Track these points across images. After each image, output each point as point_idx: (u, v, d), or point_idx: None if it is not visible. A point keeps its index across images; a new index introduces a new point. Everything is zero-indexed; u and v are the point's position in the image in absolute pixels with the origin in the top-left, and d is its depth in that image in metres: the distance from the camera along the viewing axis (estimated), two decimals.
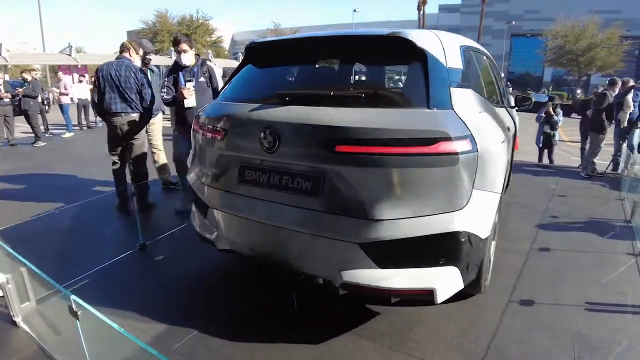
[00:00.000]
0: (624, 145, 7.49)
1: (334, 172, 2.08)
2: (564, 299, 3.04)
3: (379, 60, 2.60)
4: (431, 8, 49.91)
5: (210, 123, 2.58)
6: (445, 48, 2.34)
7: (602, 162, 7.73)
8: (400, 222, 1.99)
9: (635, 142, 7.55)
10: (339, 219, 2.09)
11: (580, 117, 8.35)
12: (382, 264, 2.07)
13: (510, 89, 21.25)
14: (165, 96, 4.51)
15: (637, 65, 43.15)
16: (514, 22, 47.89)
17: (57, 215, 4.79)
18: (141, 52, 4.95)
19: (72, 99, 12.93)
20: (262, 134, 2.22)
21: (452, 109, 2.11)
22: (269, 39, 2.90)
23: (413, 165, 1.97)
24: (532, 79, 53.35)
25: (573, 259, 3.77)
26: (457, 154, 1.97)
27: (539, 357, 2.40)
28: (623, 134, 7.42)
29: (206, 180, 2.66)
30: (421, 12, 48.56)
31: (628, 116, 7.32)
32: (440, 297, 2.10)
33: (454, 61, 2.40)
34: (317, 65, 2.89)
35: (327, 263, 2.18)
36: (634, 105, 7.36)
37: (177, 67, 4.52)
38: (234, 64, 33.32)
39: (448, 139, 1.95)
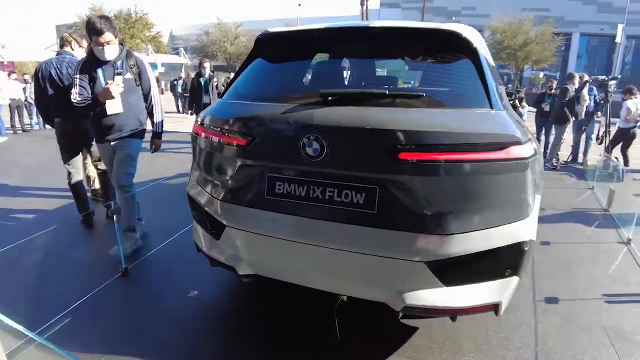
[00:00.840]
0: (583, 137, 7.88)
1: (396, 182, 1.81)
2: (582, 294, 3.05)
3: (428, 57, 2.23)
4: (372, 3, 50.59)
5: (226, 126, 2.12)
6: (484, 44, 2.21)
7: (561, 153, 8.10)
8: (472, 235, 1.79)
9: (592, 134, 7.97)
10: (402, 235, 1.81)
11: (535, 109, 8.68)
12: (449, 282, 1.86)
13: None
14: (78, 97, 3.30)
15: (564, 61, 46.39)
16: (454, 18, 49.67)
17: (21, 245, 3.61)
18: (85, 44, 4.14)
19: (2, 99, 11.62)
20: (304, 140, 1.87)
21: (506, 109, 1.97)
22: (290, 28, 2.48)
23: (486, 173, 1.77)
24: None
25: (573, 252, 3.84)
26: (526, 158, 1.81)
27: (588, 358, 2.36)
28: (581, 126, 7.79)
29: (219, 194, 2.18)
30: (364, 7, 49.42)
31: (585, 109, 7.68)
32: (503, 309, 1.97)
33: (490, 58, 2.28)
34: (350, 60, 2.60)
35: (386, 285, 1.94)
36: (589, 98, 7.74)
37: (92, 61, 3.38)
38: (177, 59, 31.98)
39: (518, 142, 1.78)
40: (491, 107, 1.88)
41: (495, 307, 1.94)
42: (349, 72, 2.68)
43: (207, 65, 7.51)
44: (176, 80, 18.57)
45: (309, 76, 2.52)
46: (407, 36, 2.21)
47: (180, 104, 17.80)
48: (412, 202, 1.80)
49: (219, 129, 2.16)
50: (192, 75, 9.87)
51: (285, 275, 2.21)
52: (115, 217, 3.32)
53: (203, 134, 2.27)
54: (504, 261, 1.89)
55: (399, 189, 1.81)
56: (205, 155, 2.30)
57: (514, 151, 1.78)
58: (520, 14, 35.88)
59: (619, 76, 8.58)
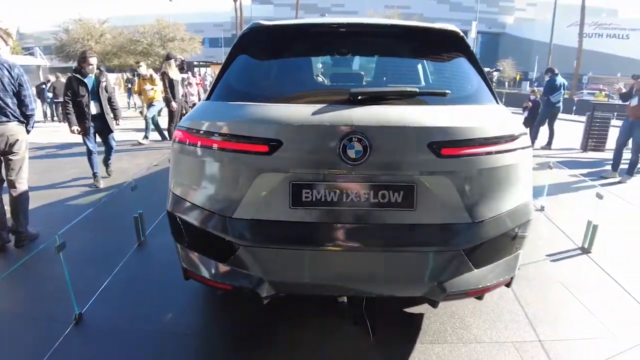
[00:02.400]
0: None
1: (434, 178, 1.85)
2: (530, 257, 3.49)
3: (433, 54, 2.34)
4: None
5: (239, 132, 1.87)
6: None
7: None
8: (499, 218, 1.94)
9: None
10: (442, 228, 1.87)
11: None
12: (479, 265, 1.95)
13: None
14: None
15: None
16: (326, 15, 51.66)
17: None
18: (10, 41, 3.68)
19: None
20: (345, 142, 1.77)
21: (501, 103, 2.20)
22: (286, 21, 2.28)
23: (506, 162, 1.92)
24: None
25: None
26: (529, 146, 2.04)
27: (555, 302, 2.74)
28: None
29: (229, 211, 1.92)
30: (237, 3, 48.62)
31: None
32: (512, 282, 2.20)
33: None
34: (354, 57, 2.51)
35: (426, 279, 1.94)
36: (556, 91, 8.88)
37: None
38: (32, 60, 28.08)
39: (525, 133, 2.01)
40: (497, 102, 2.08)
41: (510, 281, 2.14)
42: (351, 69, 2.64)
43: (93, 60, 5.21)
44: (44, 84, 16.16)
45: (316, 73, 2.38)
46: (410, 34, 2.26)
47: (49, 111, 15.64)
48: (449, 195, 1.86)
49: (227, 136, 1.89)
50: (64, 76, 8.21)
51: (317, 288, 2.07)
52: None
53: (199, 142, 1.95)
54: (518, 239, 2.09)
55: (436, 184, 1.85)
56: (204, 167, 1.99)
57: (524, 139, 1.99)
58: (385, 11, 38.90)
59: (501, 68, 9.92)
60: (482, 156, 1.87)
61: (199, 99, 9.48)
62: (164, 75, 8.02)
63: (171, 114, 8.14)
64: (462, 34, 2.19)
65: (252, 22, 2.31)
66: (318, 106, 1.86)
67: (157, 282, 3.04)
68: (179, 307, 2.74)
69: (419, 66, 2.37)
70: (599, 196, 3.59)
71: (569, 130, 11.32)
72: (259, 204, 1.88)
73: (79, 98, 5.12)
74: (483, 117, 1.95)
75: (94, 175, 5.53)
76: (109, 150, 5.88)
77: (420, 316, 2.61)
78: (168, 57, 8.29)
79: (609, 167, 6.86)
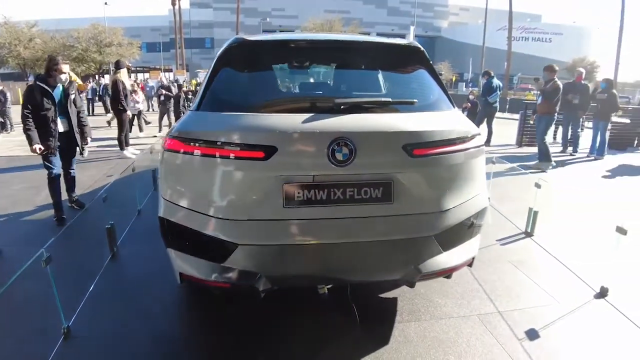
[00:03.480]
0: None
1: (408, 175, 2.13)
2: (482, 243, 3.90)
3: (399, 67, 2.57)
4: (183, 3, 49.01)
5: (235, 140, 2.02)
6: None
7: None
8: (461, 207, 2.26)
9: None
10: (416, 217, 2.15)
11: None
12: (447, 247, 2.28)
13: None
14: None
15: None
16: (268, 19, 51.66)
17: None
18: None
19: None
20: (334, 146, 2.00)
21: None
22: (268, 36, 2.53)
23: (466, 159, 2.26)
24: None
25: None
26: (483, 145, 2.40)
27: (507, 278, 3.14)
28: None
29: (226, 213, 2.07)
30: (176, 6, 47.46)
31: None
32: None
33: None
34: (329, 69, 2.74)
35: (404, 263, 2.21)
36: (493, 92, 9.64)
37: None
38: None
39: (478, 134, 2.36)
40: (454, 108, 2.42)
41: (472, 261, 2.47)
42: (329, 80, 2.87)
43: (66, 68, 4.48)
44: None
45: (297, 83, 2.61)
46: (380, 48, 2.56)
47: None
48: (421, 189, 2.16)
49: (224, 144, 2.03)
50: (22, 85, 7.57)
51: (309, 278, 2.27)
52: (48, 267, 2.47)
53: (196, 151, 2.06)
54: (476, 223, 2.43)
55: (410, 180, 2.13)
56: (199, 173, 2.11)
57: (478, 139, 2.34)
58: (325, 15, 39.64)
59: (442, 73, 10.72)
60: (446, 155, 2.19)
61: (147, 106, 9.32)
62: (116, 84, 7.86)
63: (122, 124, 7.94)
64: (422, 48, 2.51)
65: (234, 37, 2.50)
66: (307, 115, 2.07)
67: (137, 290, 3.11)
68: (166, 311, 2.84)
69: (388, 77, 2.65)
70: (538, 185, 4.07)
71: (504, 128, 12.25)
72: (255, 205, 2.05)
73: (42, 112, 4.24)
74: (445, 121, 2.27)
75: (56, 205, 4.51)
76: (71, 176, 4.92)
77: (394, 300, 2.90)
78: (119, 65, 8.12)
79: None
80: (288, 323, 2.67)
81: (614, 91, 8.77)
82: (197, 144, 2.07)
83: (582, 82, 8.65)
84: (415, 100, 2.30)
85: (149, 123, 12.29)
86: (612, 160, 8.64)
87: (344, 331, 2.57)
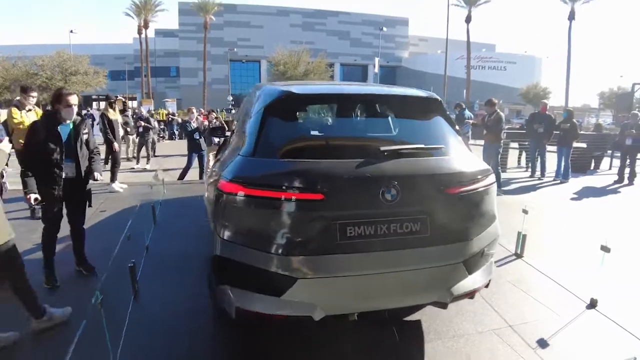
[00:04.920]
0: None
1: (441, 210, 2.47)
2: None
3: (424, 116, 2.92)
4: (149, 32, 49.05)
5: (295, 184, 2.30)
6: None
7: None
8: (482, 236, 2.63)
9: None
10: (448, 247, 2.48)
11: None
12: (471, 272, 2.60)
13: None
14: None
15: None
16: (235, 49, 52.27)
17: None
18: None
19: None
20: (384, 188, 2.33)
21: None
22: (311, 89, 2.89)
23: (485, 194, 2.65)
24: None
25: None
26: (495, 182, 2.81)
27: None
28: None
29: (286, 250, 2.30)
30: (142, 35, 47.46)
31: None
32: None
33: None
34: (364, 117, 3.13)
35: (439, 287, 2.52)
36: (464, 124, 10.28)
37: None
38: None
39: (491, 172, 2.76)
40: (470, 151, 2.83)
41: (489, 282, 2.83)
42: (367, 126, 3.23)
43: (74, 100, 3.66)
44: None
45: (341, 131, 3.00)
46: (407, 99, 2.99)
47: None
48: (451, 222, 2.52)
49: (286, 187, 2.29)
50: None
51: (358, 305, 2.53)
52: None
53: (258, 194, 2.30)
54: (491, 249, 2.81)
55: (442, 214, 2.49)
56: (260, 214, 2.35)
57: (492, 176, 2.75)
58: (291, 46, 40.66)
59: None
60: (471, 192, 2.57)
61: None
62: (103, 117, 7.95)
63: (114, 156, 7.96)
64: (440, 99, 2.93)
65: (279, 89, 2.82)
66: (357, 161, 2.42)
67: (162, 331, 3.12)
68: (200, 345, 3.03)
69: (415, 124, 3.00)
70: (525, 211, 4.54)
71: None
72: (312, 241, 2.32)
73: (45, 154, 3.52)
74: (467, 163, 2.68)
75: (48, 277, 3.67)
76: (80, 233, 3.98)
77: (418, 322, 3.22)
78: (108, 98, 8.27)
79: (511, 186, 8.33)
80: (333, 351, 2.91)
81: (575, 120, 9.65)
82: (260, 188, 2.31)
83: (547, 112, 9.49)
84: (443, 146, 2.70)
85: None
86: (576, 182, 9.41)
87: (388, 350, 2.88)
